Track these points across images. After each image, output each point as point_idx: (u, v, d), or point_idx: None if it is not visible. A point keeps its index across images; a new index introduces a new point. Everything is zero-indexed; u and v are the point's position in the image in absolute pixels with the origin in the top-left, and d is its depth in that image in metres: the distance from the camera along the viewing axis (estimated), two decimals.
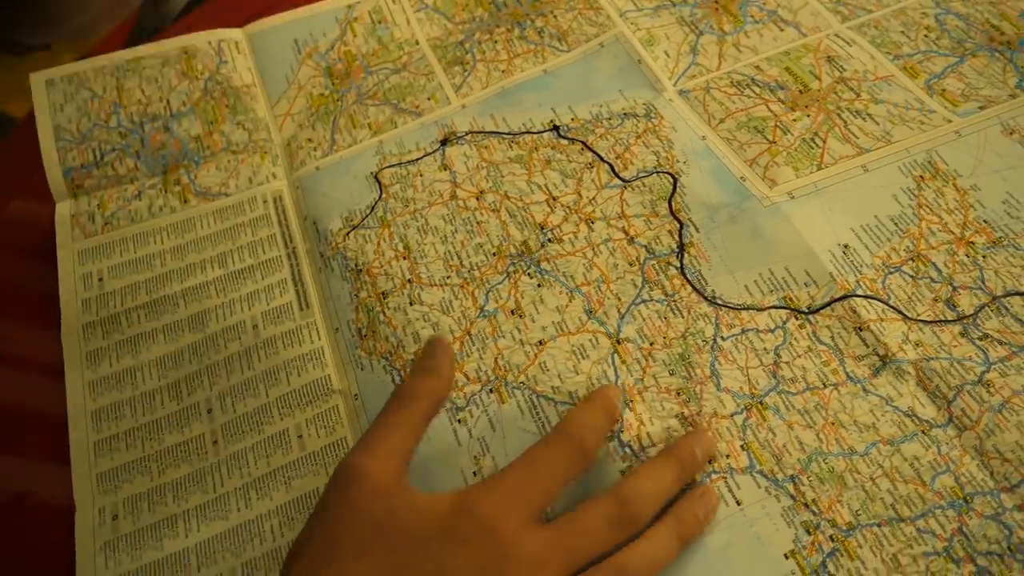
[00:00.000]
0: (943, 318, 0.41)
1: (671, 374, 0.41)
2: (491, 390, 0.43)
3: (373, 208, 0.52)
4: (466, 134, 0.54)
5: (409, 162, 0.54)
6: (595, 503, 0.35)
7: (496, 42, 0.59)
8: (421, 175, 0.53)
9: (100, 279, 0.53)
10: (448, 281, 0.47)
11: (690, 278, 0.44)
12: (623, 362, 0.42)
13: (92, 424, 0.47)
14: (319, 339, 0.48)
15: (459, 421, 0.42)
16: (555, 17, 0.59)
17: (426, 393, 0.37)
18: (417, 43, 0.62)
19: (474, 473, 0.40)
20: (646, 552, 0.35)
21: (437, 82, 0.59)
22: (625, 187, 0.49)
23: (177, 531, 0.43)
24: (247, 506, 0.44)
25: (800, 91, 0.51)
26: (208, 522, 0.43)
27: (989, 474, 0.36)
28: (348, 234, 0.51)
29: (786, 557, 0.35)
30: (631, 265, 0.46)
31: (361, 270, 0.49)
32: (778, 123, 0.50)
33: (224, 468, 0.45)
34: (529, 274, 0.46)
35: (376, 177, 0.53)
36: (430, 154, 0.54)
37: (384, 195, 0.52)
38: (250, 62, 0.63)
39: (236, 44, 0.64)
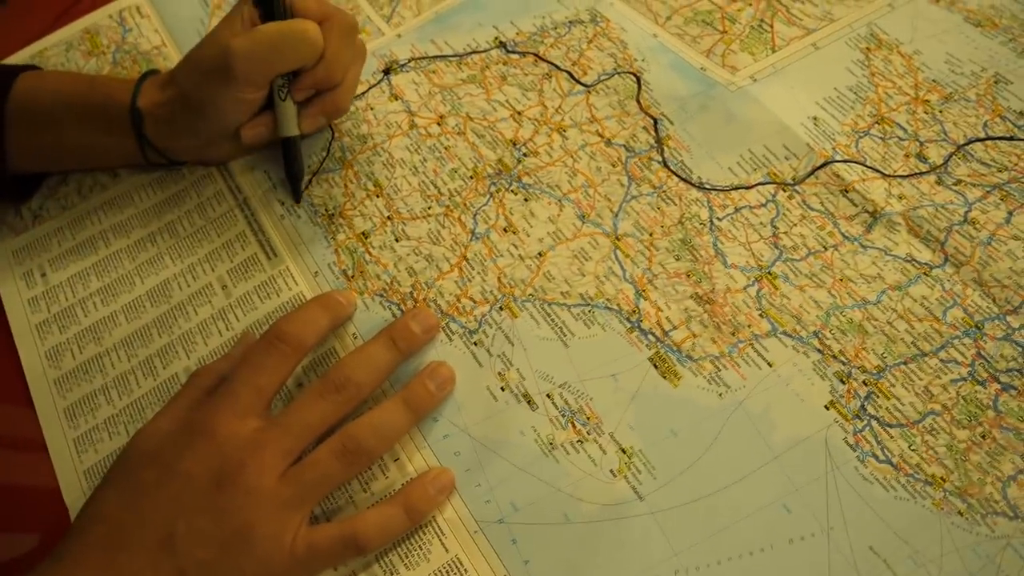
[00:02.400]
0: (918, 171, 0.43)
1: (677, 259, 0.42)
2: (501, 308, 0.42)
3: (329, 150, 0.49)
4: (409, 61, 0.52)
5: (355, 96, 0.51)
6: (308, 387, 0.38)
7: None
8: (372, 108, 0.51)
9: (43, 274, 0.49)
10: (430, 211, 0.46)
11: (674, 169, 0.45)
12: (627, 256, 0.42)
13: (67, 422, 0.43)
14: (296, 285, 0.45)
15: (475, 344, 0.41)
16: None
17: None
18: None
19: (501, 388, 0.40)
20: (372, 420, 0.37)
21: (365, 15, 0.56)
22: (589, 91, 0.49)
23: None
24: None
25: None
26: None
27: (992, 301, 0.38)
28: (309, 181, 0.48)
29: (827, 408, 0.37)
30: (614, 166, 0.45)
31: (333, 214, 0.47)
32: (724, 14, 0.51)
33: None
34: (513, 191, 0.46)
35: None
36: (375, 85, 0.52)
37: (337, 134, 0.50)
38: (156, 23, 0.59)
39: (138, 9, 0.60)
